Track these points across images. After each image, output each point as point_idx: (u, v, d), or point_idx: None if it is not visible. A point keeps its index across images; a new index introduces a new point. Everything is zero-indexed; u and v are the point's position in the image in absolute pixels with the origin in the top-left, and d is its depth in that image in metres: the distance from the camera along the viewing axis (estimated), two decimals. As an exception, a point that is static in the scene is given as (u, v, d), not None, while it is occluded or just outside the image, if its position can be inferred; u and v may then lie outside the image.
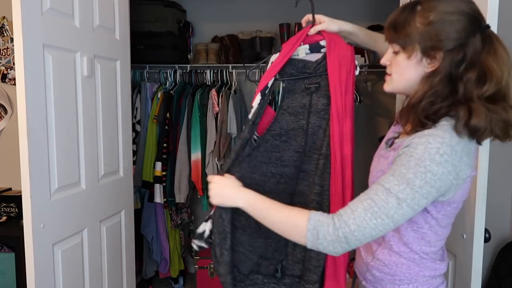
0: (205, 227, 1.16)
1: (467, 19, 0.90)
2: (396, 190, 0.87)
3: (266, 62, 1.31)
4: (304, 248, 1.20)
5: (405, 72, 0.98)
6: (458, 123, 0.88)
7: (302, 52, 1.27)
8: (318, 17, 1.31)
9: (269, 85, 1.24)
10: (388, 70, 1.04)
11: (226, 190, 1.08)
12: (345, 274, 1.22)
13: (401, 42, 0.96)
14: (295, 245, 1.25)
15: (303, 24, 1.32)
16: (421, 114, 0.92)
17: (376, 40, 1.28)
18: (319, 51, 1.26)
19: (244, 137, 1.22)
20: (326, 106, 1.24)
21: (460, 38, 0.90)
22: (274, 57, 1.28)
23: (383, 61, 1.04)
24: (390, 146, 1.06)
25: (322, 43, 1.26)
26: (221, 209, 1.12)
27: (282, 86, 1.31)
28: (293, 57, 1.27)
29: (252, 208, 1.02)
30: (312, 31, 1.28)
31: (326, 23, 1.28)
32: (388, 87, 1.05)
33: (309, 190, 1.25)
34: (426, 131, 0.90)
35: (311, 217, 0.92)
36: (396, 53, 0.99)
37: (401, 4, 1.93)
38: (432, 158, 0.86)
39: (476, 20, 0.92)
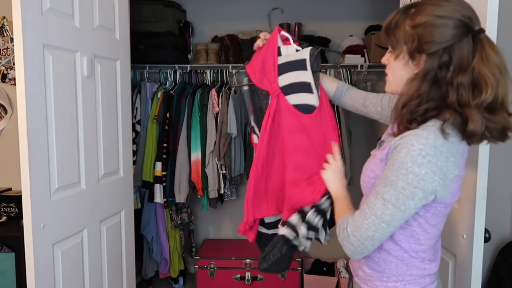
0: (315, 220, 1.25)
1: (454, 23, 0.90)
2: (382, 192, 0.94)
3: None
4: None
5: (396, 73, 1.01)
6: (445, 124, 0.89)
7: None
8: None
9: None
10: (386, 71, 1.06)
11: (337, 176, 1.22)
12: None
13: (391, 43, 1.00)
14: None
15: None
16: (406, 116, 0.94)
17: None
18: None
19: None
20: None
21: (444, 42, 0.90)
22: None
23: (382, 60, 1.06)
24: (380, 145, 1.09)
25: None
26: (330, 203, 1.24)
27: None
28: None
29: (335, 197, 1.18)
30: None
31: None
32: (387, 88, 1.08)
33: None
34: (410, 131, 0.92)
35: (342, 218, 1.05)
36: (390, 53, 1.02)
37: (401, 4, 1.93)
38: (414, 160, 0.89)
39: (464, 25, 0.91)
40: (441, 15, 0.91)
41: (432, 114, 0.93)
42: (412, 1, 1.06)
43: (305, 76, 1.29)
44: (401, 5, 1.93)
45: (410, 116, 0.94)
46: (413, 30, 0.93)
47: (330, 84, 1.38)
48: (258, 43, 1.37)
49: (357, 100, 1.36)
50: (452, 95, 0.90)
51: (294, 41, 1.33)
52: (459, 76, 0.90)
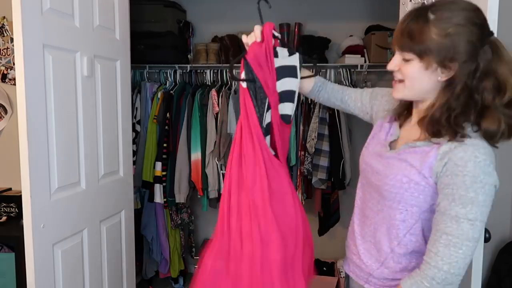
0: None
1: (478, 29, 0.92)
2: (463, 213, 0.91)
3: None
4: None
5: (419, 81, 0.99)
6: (482, 131, 0.94)
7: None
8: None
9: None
10: (397, 76, 1.03)
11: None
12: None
13: (417, 51, 0.96)
14: None
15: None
16: (444, 124, 0.96)
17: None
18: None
19: None
20: None
21: (473, 49, 0.92)
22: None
23: (390, 67, 1.03)
24: (391, 144, 1.10)
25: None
26: None
27: None
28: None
29: None
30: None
31: None
32: (399, 94, 1.05)
33: None
34: (467, 141, 0.93)
35: (421, 276, 0.94)
36: (407, 60, 0.99)
37: (401, 5, 1.93)
38: (485, 171, 0.91)
39: (485, 29, 0.94)
40: (467, 22, 0.92)
41: (464, 119, 0.95)
42: (425, 2, 1.05)
43: (294, 84, 1.17)
44: (401, 5, 1.92)
45: (447, 123, 0.95)
46: (444, 39, 0.92)
47: (308, 79, 1.30)
48: (252, 37, 1.17)
49: (335, 95, 1.33)
50: (477, 100, 0.94)
51: (282, 43, 1.21)
52: (484, 81, 0.93)
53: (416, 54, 0.96)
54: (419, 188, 0.99)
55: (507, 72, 0.91)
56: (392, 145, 1.11)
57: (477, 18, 0.93)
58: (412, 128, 1.08)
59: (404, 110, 1.12)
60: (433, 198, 0.98)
